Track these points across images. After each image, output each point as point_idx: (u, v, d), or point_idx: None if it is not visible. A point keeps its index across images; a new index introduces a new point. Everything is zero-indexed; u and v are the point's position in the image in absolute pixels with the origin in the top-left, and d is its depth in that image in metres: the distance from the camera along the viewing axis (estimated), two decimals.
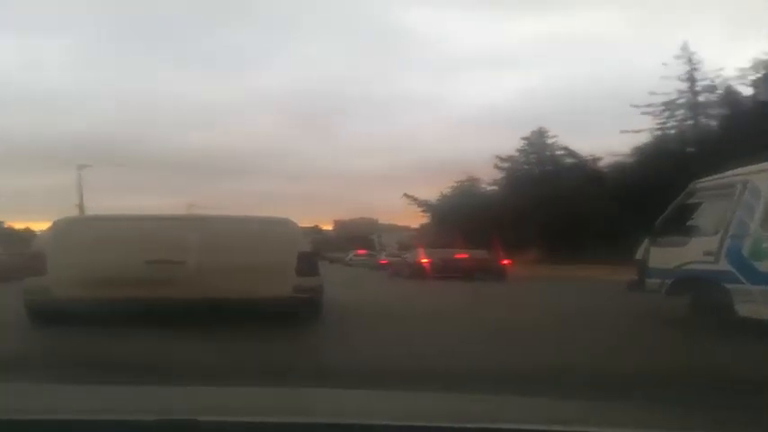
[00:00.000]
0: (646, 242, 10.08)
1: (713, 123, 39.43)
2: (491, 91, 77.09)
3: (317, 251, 10.28)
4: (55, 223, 8.74)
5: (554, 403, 2.15)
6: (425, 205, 59.23)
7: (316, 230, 74.21)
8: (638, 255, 10.22)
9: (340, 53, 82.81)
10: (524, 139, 52.95)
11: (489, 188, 55.23)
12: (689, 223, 9.50)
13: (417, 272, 24.48)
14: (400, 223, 76.10)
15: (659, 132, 41.14)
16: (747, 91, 36.91)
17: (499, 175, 53.79)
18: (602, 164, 44.74)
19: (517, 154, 53.68)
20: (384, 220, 77.00)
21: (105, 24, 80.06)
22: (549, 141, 52.64)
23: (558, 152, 51.00)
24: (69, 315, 7.14)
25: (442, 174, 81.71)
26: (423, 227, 62.38)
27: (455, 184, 57.41)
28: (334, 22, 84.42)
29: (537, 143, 52.64)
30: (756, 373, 5.13)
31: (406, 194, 58.15)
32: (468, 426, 1.58)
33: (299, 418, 1.65)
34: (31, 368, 5.14)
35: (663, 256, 9.54)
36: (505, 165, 53.71)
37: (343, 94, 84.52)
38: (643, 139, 40.84)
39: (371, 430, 1.55)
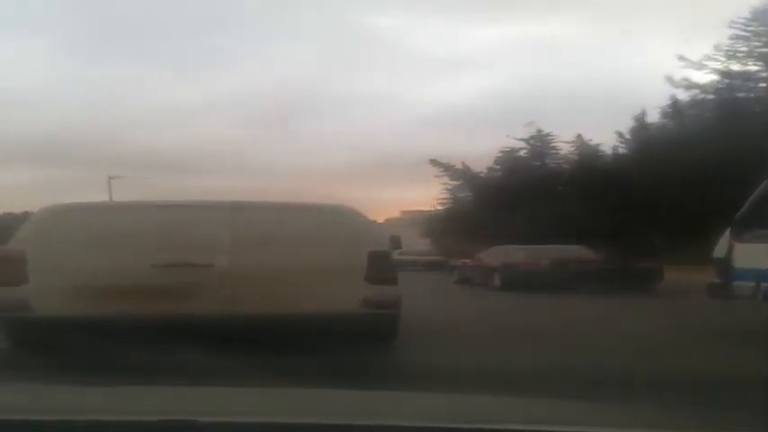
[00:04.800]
0: (727, 237, 8.48)
1: None
2: (451, 92, 76.41)
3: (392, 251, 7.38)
4: (38, 213, 6.60)
5: (557, 403, 2.04)
6: (464, 176, 39.11)
7: None
8: (718, 253, 8.62)
9: (303, 54, 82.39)
10: (741, 21, 25.91)
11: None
12: None
13: (511, 279, 17.29)
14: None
15: None
16: None
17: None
18: None
19: (720, 56, 26.36)
20: None
21: (70, 24, 79.26)
22: None
23: None
24: (56, 338, 5.46)
25: (404, 171, 79.75)
26: (440, 213, 45.14)
27: (521, 141, 36.46)
28: (301, 24, 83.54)
29: None
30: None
31: (433, 161, 39.51)
32: (472, 426, 1.56)
33: (301, 418, 1.61)
34: (26, 368, 4.79)
35: (754, 253, 7.93)
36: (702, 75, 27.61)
37: (304, 94, 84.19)
38: None
39: (374, 430, 1.51)
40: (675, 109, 28.90)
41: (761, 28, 25.75)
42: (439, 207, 44.84)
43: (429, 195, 59.14)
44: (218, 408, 1.76)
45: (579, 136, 34.57)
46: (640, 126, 31.35)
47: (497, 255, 19.32)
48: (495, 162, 37.88)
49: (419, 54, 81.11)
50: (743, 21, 26.14)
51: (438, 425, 1.59)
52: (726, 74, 26.94)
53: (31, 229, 6.44)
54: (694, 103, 27.33)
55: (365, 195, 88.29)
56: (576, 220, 23.86)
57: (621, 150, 32.88)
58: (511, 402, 2.08)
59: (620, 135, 32.55)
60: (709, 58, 26.64)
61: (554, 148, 36.30)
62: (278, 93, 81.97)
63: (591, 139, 34.60)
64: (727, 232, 8.51)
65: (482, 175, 38.61)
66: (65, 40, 79.15)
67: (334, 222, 6.59)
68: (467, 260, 21.98)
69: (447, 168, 38.58)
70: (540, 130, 35.86)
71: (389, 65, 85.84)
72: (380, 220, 67.06)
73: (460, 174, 38.78)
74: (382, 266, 6.35)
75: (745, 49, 26.58)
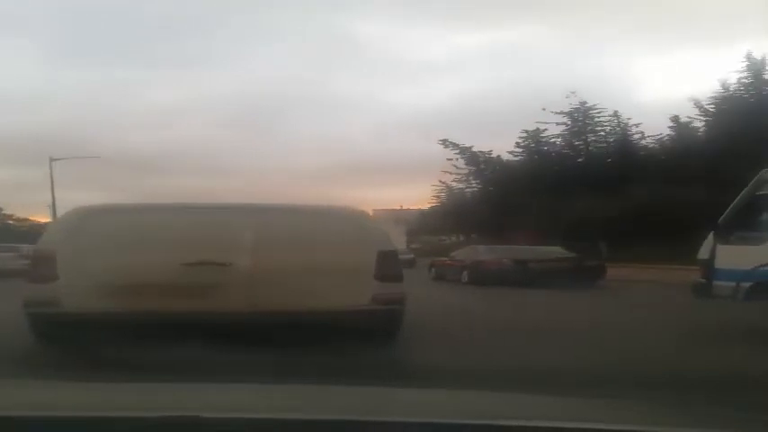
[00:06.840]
0: (711, 239, 8.91)
1: None
2: (428, 96, 77.22)
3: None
4: (68, 214, 6.94)
5: (558, 400, 2.12)
6: (477, 160, 32.27)
7: None
8: (702, 254, 9.05)
9: (284, 57, 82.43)
10: None
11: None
12: (764, 217, 8.35)
13: (477, 276, 19.27)
14: None
15: None
16: None
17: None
18: None
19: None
20: None
21: (51, 25, 78.77)
22: None
23: None
24: (84, 334, 5.66)
25: (377, 172, 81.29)
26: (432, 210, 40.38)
27: (559, 115, 29.66)
28: (283, 28, 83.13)
29: None
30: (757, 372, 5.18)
31: (444, 141, 33.06)
32: (472, 422, 1.58)
33: (303, 414, 1.62)
34: (35, 365, 4.86)
35: (736, 255, 8.36)
36: None
37: (283, 96, 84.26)
38: None
39: (375, 427, 1.51)
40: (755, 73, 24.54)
41: None
42: (433, 202, 41.44)
43: (400, 195, 59.20)
44: (220, 404, 1.77)
45: (616, 113, 29.71)
46: (726, 94, 25.11)
47: (467, 254, 21.78)
48: (517, 145, 31.59)
49: (399, 58, 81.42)
50: None
51: (443, 421, 1.60)
52: None
53: (60, 229, 6.78)
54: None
55: (341, 195, 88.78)
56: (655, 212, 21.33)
57: (698, 124, 26.71)
58: (515, 399, 2.11)
59: (697, 103, 26.34)
60: None
61: (600, 124, 30.06)
62: (258, 95, 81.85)
63: (630, 118, 30.06)
64: (711, 235, 8.93)
65: (511, 159, 31.76)
66: (46, 42, 78.80)
67: (345, 223, 6.92)
68: (443, 258, 23.96)
69: (462, 151, 32.73)
70: (583, 102, 29.46)
71: (370, 68, 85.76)
72: None
73: (484, 158, 32.29)
74: (390, 265, 6.71)
75: None
